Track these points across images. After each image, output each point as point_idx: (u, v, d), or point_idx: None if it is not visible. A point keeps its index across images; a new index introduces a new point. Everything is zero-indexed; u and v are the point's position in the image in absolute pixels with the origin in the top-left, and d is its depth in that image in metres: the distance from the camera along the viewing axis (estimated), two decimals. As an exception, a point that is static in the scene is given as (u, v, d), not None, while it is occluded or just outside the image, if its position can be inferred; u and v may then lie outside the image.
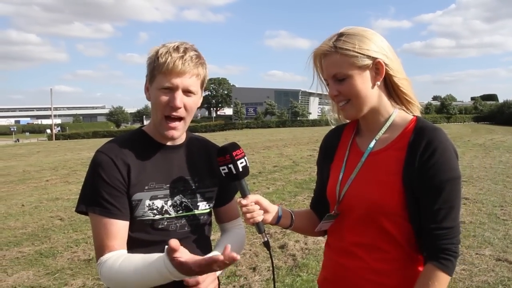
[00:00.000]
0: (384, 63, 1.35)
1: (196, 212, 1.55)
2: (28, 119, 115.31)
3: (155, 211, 1.45)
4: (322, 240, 5.24)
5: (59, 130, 72.65)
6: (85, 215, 1.45)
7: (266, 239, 1.46)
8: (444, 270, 1.26)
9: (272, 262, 1.58)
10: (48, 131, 67.84)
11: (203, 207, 1.57)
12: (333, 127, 1.63)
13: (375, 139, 1.42)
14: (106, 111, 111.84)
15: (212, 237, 1.70)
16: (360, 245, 1.40)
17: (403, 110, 1.44)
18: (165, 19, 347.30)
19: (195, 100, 1.48)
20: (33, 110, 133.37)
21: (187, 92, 1.43)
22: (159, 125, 1.47)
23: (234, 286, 4.23)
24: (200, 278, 1.35)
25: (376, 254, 1.37)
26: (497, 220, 6.38)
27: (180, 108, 1.42)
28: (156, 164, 1.50)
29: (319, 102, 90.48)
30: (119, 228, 1.40)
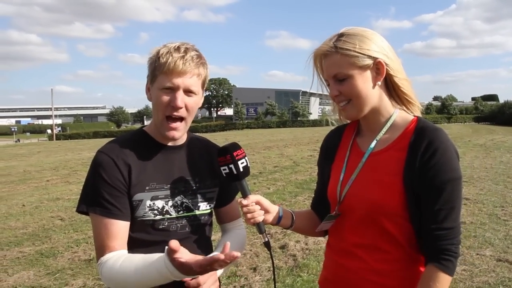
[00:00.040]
0: (385, 63, 1.35)
1: (197, 212, 1.55)
2: (29, 119, 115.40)
3: (155, 212, 1.45)
4: (322, 240, 5.24)
5: (59, 130, 72.70)
6: (86, 215, 1.45)
7: (266, 240, 1.46)
8: (445, 271, 1.26)
9: (273, 263, 1.58)
10: (49, 131, 67.95)
11: (204, 207, 1.57)
12: (334, 127, 1.62)
13: (376, 140, 1.42)
14: (106, 111, 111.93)
15: (212, 238, 1.70)
16: (361, 246, 1.40)
17: (404, 110, 1.44)
18: (166, 19, 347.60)
19: (196, 100, 1.48)
20: (34, 110, 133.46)
21: (188, 92, 1.43)
22: (160, 125, 1.47)
23: (234, 286, 4.23)
24: (201, 279, 1.35)
25: (377, 254, 1.37)
26: (497, 221, 6.38)
27: (181, 108, 1.42)
28: (157, 164, 1.50)
29: (319, 103, 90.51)
30: (120, 229, 1.40)
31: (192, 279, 1.34)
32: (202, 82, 1.49)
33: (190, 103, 1.45)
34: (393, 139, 1.39)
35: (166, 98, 1.41)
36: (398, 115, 1.42)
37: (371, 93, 1.37)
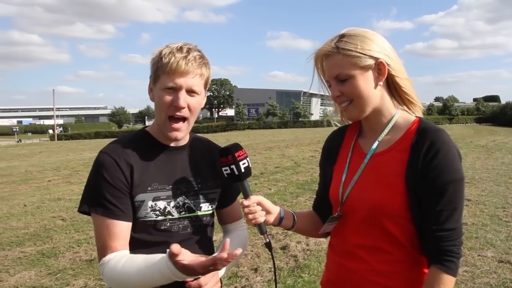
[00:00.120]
0: (386, 63, 1.35)
1: (199, 213, 1.55)
2: (30, 119, 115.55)
3: (157, 212, 1.45)
4: (323, 241, 5.24)
5: (61, 131, 72.74)
6: (87, 215, 1.45)
7: (268, 240, 1.46)
8: (448, 272, 1.26)
9: (274, 263, 1.58)
10: (50, 131, 68.08)
11: (205, 208, 1.57)
12: (336, 128, 1.62)
13: (378, 141, 1.41)
14: (108, 111, 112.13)
15: (214, 238, 1.70)
16: (363, 247, 1.39)
17: (405, 110, 1.44)
18: (167, 20, 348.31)
19: (199, 101, 1.48)
20: (35, 111, 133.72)
21: (190, 92, 1.43)
22: (162, 126, 1.47)
23: (235, 287, 4.23)
24: (203, 280, 1.35)
25: (379, 255, 1.37)
26: (499, 222, 6.37)
27: (183, 108, 1.42)
28: (159, 165, 1.49)
29: (321, 103, 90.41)
30: (122, 229, 1.40)
31: (194, 279, 1.34)
32: (205, 82, 1.49)
33: (193, 103, 1.45)
34: (395, 140, 1.38)
35: (168, 98, 1.41)
36: (400, 116, 1.42)
37: (373, 93, 1.37)
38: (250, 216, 1.41)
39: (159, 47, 1.46)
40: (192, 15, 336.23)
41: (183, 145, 1.57)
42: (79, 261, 5.15)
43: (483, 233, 5.79)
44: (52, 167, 16.27)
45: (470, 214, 6.74)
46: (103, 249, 1.38)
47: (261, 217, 1.42)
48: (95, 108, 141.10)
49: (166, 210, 1.47)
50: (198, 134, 1.72)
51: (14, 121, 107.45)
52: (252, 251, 5.13)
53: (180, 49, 1.41)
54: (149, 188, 1.45)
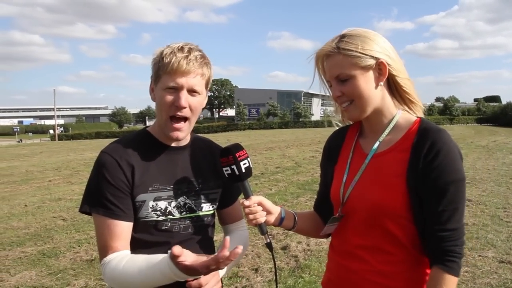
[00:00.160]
0: (387, 63, 1.35)
1: (200, 213, 1.55)
2: (31, 119, 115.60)
3: (158, 212, 1.45)
4: (324, 241, 5.24)
5: (62, 131, 72.76)
6: (88, 215, 1.45)
7: (268, 241, 1.46)
8: (450, 272, 1.26)
9: (275, 264, 1.58)
10: (51, 131, 68.12)
11: (206, 208, 1.57)
12: (337, 128, 1.62)
13: (379, 141, 1.41)
14: (109, 111, 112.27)
15: (214, 238, 1.70)
16: (364, 247, 1.39)
17: (406, 111, 1.44)
18: (168, 20, 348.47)
19: (200, 100, 1.48)
20: (36, 111, 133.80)
21: (192, 91, 1.43)
22: (164, 126, 1.46)
23: (236, 287, 4.23)
24: (203, 280, 1.35)
25: (381, 256, 1.37)
26: (500, 222, 6.36)
27: (185, 108, 1.42)
28: (160, 165, 1.49)
29: (321, 104, 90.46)
30: (123, 229, 1.40)
31: (194, 279, 1.34)
32: (206, 82, 1.49)
33: (194, 103, 1.45)
34: (396, 140, 1.38)
35: (170, 98, 1.41)
36: (401, 116, 1.42)
37: (374, 93, 1.37)
38: (251, 216, 1.41)
39: (160, 47, 1.46)
40: (193, 16, 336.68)
41: (184, 145, 1.57)
42: (79, 261, 5.15)
43: (484, 234, 5.78)
44: (52, 167, 16.28)
45: (471, 215, 6.73)
46: (104, 249, 1.38)
47: (261, 217, 1.42)
48: (96, 108, 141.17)
49: (167, 210, 1.47)
50: (199, 134, 1.72)
51: (15, 121, 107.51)
52: (252, 251, 5.13)
53: (181, 49, 1.41)
54: (150, 188, 1.45)
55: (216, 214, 1.67)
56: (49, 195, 9.80)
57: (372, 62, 1.34)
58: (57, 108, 71.69)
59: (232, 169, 1.40)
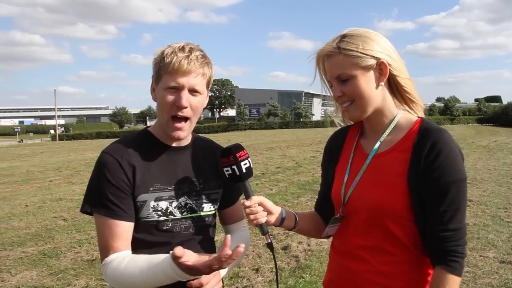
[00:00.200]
0: (388, 63, 1.35)
1: (201, 213, 1.55)
2: (32, 119, 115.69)
3: (159, 213, 1.45)
4: (325, 241, 5.24)
5: (62, 131, 72.81)
6: (90, 215, 1.45)
7: (269, 241, 1.46)
8: (453, 272, 1.26)
9: (276, 264, 1.58)
10: (52, 131, 68.17)
11: (208, 208, 1.57)
12: (338, 128, 1.62)
13: (380, 141, 1.41)
14: (109, 112, 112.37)
15: (215, 238, 1.70)
16: (365, 248, 1.39)
17: (407, 111, 1.44)
18: (169, 20, 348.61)
19: (201, 100, 1.47)
20: (37, 111, 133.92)
21: (193, 91, 1.43)
22: (165, 125, 1.46)
23: (237, 287, 4.23)
24: (204, 279, 1.35)
25: (382, 256, 1.36)
26: (501, 222, 6.36)
27: (186, 107, 1.42)
28: (161, 165, 1.49)
29: (322, 104, 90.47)
30: (124, 229, 1.40)
31: (195, 278, 1.34)
32: (207, 82, 1.49)
33: (195, 103, 1.44)
34: (397, 140, 1.38)
35: (171, 98, 1.41)
36: (402, 116, 1.42)
37: (374, 93, 1.37)
38: (252, 216, 1.40)
39: (161, 47, 1.46)
40: (193, 16, 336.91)
41: (185, 145, 1.57)
42: (80, 261, 5.16)
43: (485, 234, 5.78)
44: (53, 167, 16.30)
45: (472, 215, 6.72)
46: (105, 249, 1.38)
47: (262, 217, 1.42)
48: (96, 109, 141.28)
49: (168, 211, 1.47)
50: (200, 134, 1.72)
51: (16, 121, 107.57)
52: (253, 251, 5.13)
53: (182, 49, 1.41)
54: (151, 189, 1.45)
55: (217, 214, 1.67)
56: (50, 195, 9.81)
57: (373, 62, 1.34)
58: (58, 108, 71.76)
59: (233, 169, 1.40)
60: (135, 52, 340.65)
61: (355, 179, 1.41)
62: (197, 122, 1.57)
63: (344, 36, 1.37)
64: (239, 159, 1.40)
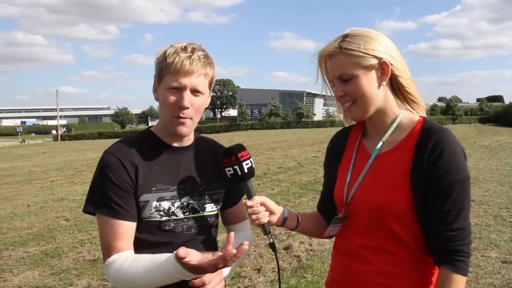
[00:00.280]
0: (390, 63, 1.35)
1: (203, 214, 1.54)
2: (34, 120, 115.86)
3: (161, 213, 1.45)
4: (326, 241, 5.23)
5: (64, 131, 72.89)
6: (92, 215, 1.45)
7: (271, 241, 1.46)
8: (459, 272, 1.25)
9: (278, 264, 1.57)
10: (54, 132, 68.15)
11: (210, 209, 1.56)
12: (340, 128, 1.62)
13: (382, 141, 1.41)
14: (111, 112, 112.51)
15: (218, 238, 1.70)
16: (367, 248, 1.39)
17: (409, 110, 1.44)
18: (170, 20, 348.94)
19: (203, 100, 1.47)
20: (39, 111, 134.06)
21: (195, 92, 1.43)
22: (168, 124, 1.46)
23: (239, 287, 4.23)
24: (206, 278, 1.35)
25: (385, 256, 1.36)
26: (503, 222, 6.35)
27: (188, 108, 1.41)
28: (164, 165, 1.49)
29: (323, 104, 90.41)
30: (127, 229, 1.39)
31: (198, 277, 1.34)
32: (209, 82, 1.49)
33: (197, 103, 1.44)
34: (399, 140, 1.38)
35: (173, 98, 1.41)
36: (404, 116, 1.41)
37: (376, 93, 1.36)
38: (254, 216, 1.40)
39: (163, 46, 1.46)
40: (195, 16, 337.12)
41: (187, 145, 1.56)
42: (82, 261, 5.16)
43: (487, 234, 5.77)
44: (55, 167, 16.32)
45: (474, 215, 6.71)
46: (108, 249, 1.38)
47: (264, 217, 1.42)
48: (98, 109, 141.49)
49: (171, 211, 1.46)
50: (202, 135, 1.72)
51: (17, 122, 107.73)
52: (255, 251, 5.13)
53: (184, 49, 1.41)
54: (153, 189, 1.44)
55: (219, 214, 1.67)
56: (52, 195, 9.82)
57: (374, 61, 1.34)
58: (59, 109, 71.82)
59: (235, 170, 1.40)
60: (137, 52, 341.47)
61: (358, 179, 1.41)
62: (199, 122, 1.56)
63: (346, 36, 1.36)
64: (241, 159, 1.40)
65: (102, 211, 1.39)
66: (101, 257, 1.44)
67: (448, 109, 78.69)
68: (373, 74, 1.35)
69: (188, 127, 1.46)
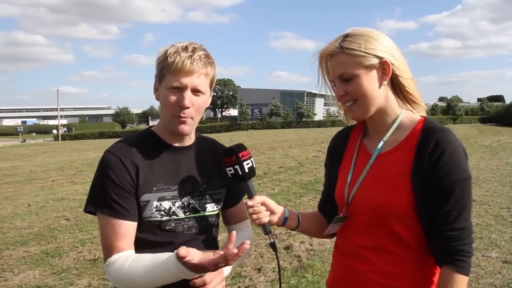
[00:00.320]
0: (391, 62, 1.35)
1: (204, 213, 1.54)
2: (35, 119, 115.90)
3: (162, 213, 1.45)
4: (327, 241, 5.23)
5: (65, 131, 72.97)
6: (93, 215, 1.45)
7: (272, 240, 1.46)
8: (461, 272, 1.25)
9: (278, 263, 1.57)
10: (55, 131, 68.21)
11: (211, 208, 1.56)
12: (341, 128, 1.62)
13: (383, 141, 1.41)
14: (111, 111, 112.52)
15: (218, 238, 1.70)
16: (369, 248, 1.39)
17: (410, 110, 1.43)
18: (171, 20, 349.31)
19: (204, 100, 1.47)
20: (40, 111, 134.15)
21: (196, 91, 1.42)
22: (169, 123, 1.46)
23: (239, 287, 4.23)
24: (207, 278, 1.35)
25: (385, 256, 1.36)
26: (504, 222, 6.34)
27: (188, 108, 1.41)
28: (164, 165, 1.49)
29: (324, 103, 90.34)
30: (127, 229, 1.39)
31: (199, 277, 1.33)
32: (210, 82, 1.48)
33: (198, 103, 1.44)
34: (400, 140, 1.38)
35: (173, 98, 1.41)
36: (405, 116, 1.41)
37: (377, 93, 1.36)
38: (254, 216, 1.40)
39: (164, 46, 1.46)
40: (195, 16, 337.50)
41: (188, 145, 1.56)
42: (83, 260, 5.16)
43: (488, 234, 5.77)
44: (56, 167, 16.33)
45: (475, 215, 6.70)
46: (108, 249, 1.38)
47: (265, 217, 1.42)
48: (99, 108, 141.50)
49: (171, 211, 1.46)
50: (203, 134, 1.72)
51: (18, 121, 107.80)
52: (255, 251, 5.13)
53: (185, 49, 1.41)
54: (154, 188, 1.44)
55: (220, 214, 1.67)
56: (53, 195, 9.83)
57: (375, 61, 1.33)
58: (60, 108, 71.84)
59: (235, 169, 1.40)
60: (137, 52, 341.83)
61: (359, 179, 1.41)
62: (200, 122, 1.56)
63: (346, 36, 1.36)
64: (242, 159, 1.40)
65: (103, 211, 1.39)
66: (102, 256, 1.44)
67: (449, 109, 78.58)
68: (374, 73, 1.35)
69: (189, 126, 1.46)
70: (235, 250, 1.12)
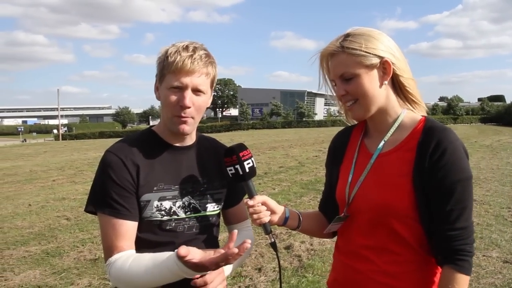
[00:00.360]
0: (392, 62, 1.35)
1: (205, 213, 1.54)
2: (35, 119, 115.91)
3: (163, 212, 1.45)
4: (327, 241, 5.23)
5: (65, 130, 72.98)
6: (94, 215, 1.45)
7: (273, 240, 1.46)
8: (462, 271, 1.25)
9: (279, 263, 1.57)
10: (55, 131, 68.25)
11: (211, 208, 1.56)
12: (342, 128, 1.62)
13: (384, 140, 1.41)
14: (112, 111, 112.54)
15: (219, 238, 1.70)
16: (370, 248, 1.39)
17: (411, 110, 1.43)
18: (171, 20, 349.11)
19: (205, 100, 1.47)
20: (40, 111, 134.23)
21: (196, 91, 1.42)
22: (169, 123, 1.46)
23: (239, 286, 4.23)
24: (208, 277, 1.34)
25: (387, 256, 1.36)
26: (504, 222, 6.34)
27: (189, 107, 1.41)
28: (165, 165, 1.49)
29: (325, 103, 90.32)
30: (128, 229, 1.39)
31: (200, 276, 1.33)
32: (211, 81, 1.48)
33: (199, 103, 1.44)
34: (401, 140, 1.38)
35: (174, 97, 1.41)
36: (406, 115, 1.41)
37: (378, 92, 1.36)
38: (255, 216, 1.40)
39: (165, 46, 1.46)
40: (196, 15, 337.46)
41: (189, 145, 1.56)
42: (83, 260, 5.17)
43: (488, 233, 5.76)
44: (56, 166, 16.33)
45: (475, 214, 6.70)
46: (109, 249, 1.38)
47: (266, 217, 1.42)
48: (99, 108, 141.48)
49: (172, 210, 1.46)
50: (204, 134, 1.71)
51: (19, 121, 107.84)
52: (256, 250, 5.13)
53: (186, 48, 1.40)
54: (155, 188, 1.44)
55: (221, 214, 1.66)
56: (53, 195, 9.83)
57: (376, 61, 1.33)
58: (60, 108, 71.83)
59: (236, 169, 1.40)
60: (138, 52, 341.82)
61: (360, 178, 1.41)
62: (200, 122, 1.56)
63: (347, 35, 1.36)
64: (242, 158, 1.40)
65: (104, 211, 1.39)
66: (102, 256, 1.44)
67: (450, 108, 78.58)
68: (374, 73, 1.35)
69: (190, 126, 1.46)
70: (236, 249, 1.12)
